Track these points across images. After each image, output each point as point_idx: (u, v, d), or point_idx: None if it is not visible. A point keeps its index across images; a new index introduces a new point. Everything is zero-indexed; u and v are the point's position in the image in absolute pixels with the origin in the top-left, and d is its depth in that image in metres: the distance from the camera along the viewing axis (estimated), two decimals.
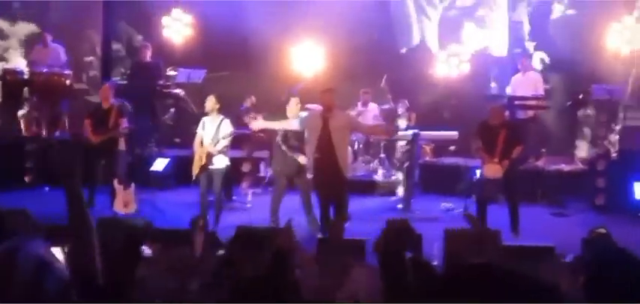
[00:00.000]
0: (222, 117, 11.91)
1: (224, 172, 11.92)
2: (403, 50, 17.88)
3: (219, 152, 11.86)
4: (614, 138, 15.19)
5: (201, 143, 11.87)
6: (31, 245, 2.35)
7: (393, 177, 14.58)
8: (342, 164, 11.01)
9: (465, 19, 17.70)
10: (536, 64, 16.83)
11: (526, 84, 15.48)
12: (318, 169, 11.07)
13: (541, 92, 15.37)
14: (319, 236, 10.44)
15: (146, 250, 7.20)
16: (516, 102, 15.21)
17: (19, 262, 2.24)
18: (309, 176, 11.25)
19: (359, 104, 15.56)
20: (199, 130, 11.97)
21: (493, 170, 11.38)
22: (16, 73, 16.22)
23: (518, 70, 15.79)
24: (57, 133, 15.81)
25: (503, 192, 11.63)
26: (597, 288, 3.51)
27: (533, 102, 15.29)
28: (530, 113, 15.38)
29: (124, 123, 12.98)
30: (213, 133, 11.78)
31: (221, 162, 11.84)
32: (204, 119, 12.03)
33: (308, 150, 11.37)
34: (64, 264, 2.33)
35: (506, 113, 12.43)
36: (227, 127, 11.86)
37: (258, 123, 11.81)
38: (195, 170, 11.86)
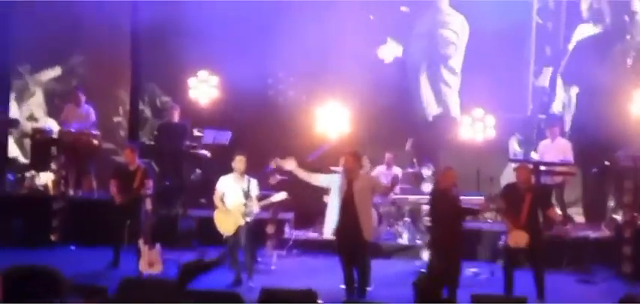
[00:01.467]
0: (247, 177, 12.11)
1: (252, 228, 12.10)
2: (430, 118, 17.88)
3: (258, 209, 12.31)
4: None
5: (222, 200, 12.10)
6: None
7: (418, 241, 14.52)
8: (365, 227, 11.04)
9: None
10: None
11: (555, 151, 15.42)
12: (341, 231, 11.11)
13: (570, 159, 15.31)
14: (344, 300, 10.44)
15: None
16: (542, 168, 15.17)
17: None
18: (326, 232, 11.36)
19: (383, 166, 15.56)
20: (223, 187, 12.20)
21: (518, 238, 11.25)
22: (44, 131, 16.42)
23: (546, 137, 15.73)
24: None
25: (529, 260, 11.48)
26: None
27: (561, 169, 15.23)
28: (558, 179, 15.32)
29: (150, 184, 13.09)
30: (243, 192, 11.93)
31: (248, 217, 12.06)
32: (228, 177, 12.25)
33: (329, 210, 11.43)
34: None
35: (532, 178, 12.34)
36: (256, 187, 12.09)
37: (289, 164, 11.89)
38: (230, 229, 12.01)
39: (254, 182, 12.24)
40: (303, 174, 11.79)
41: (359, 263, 11.14)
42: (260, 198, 12.40)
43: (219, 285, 10.67)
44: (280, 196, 12.71)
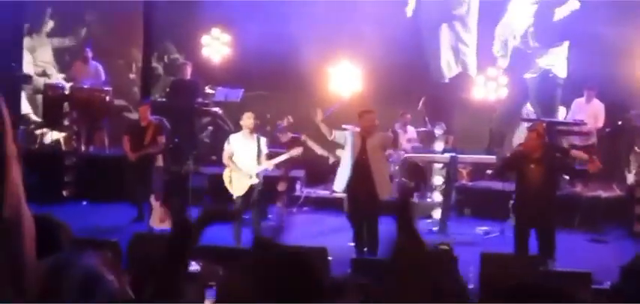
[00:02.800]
0: (257, 134, 12.01)
1: (261, 187, 12.03)
2: (446, 80, 17.77)
3: (271, 167, 12.21)
4: None
5: (232, 159, 11.91)
6: (84, 257, 2.36)
7: (429, 200, 14.52)
8: (379, 185, 11.04)
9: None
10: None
11: (589, 112, 15.31)
12: (354, 189, 11.11)
13: (600, 123, 15.22)
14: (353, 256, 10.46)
15: (193, 265, 7.25)
16: (558, 128, 15.11)
17: (71, 274, 2.26)
18: (337, 187, 11.36)
19: (397, 125, 15.52)
20: (232, 147, 12.01)
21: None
22: (57, 88, 16.44)
23: (582, 96, 15.60)
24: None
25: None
26: None
27: (575, 129, 15.13)
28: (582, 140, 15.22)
29: (162, 140, 13.13)
30: (255, 150, 11.83)
31: (259, 177, 11.93)
32: (237, 136, 12.13)
33: (342, 166, 11.41)
34: (114, 277, 2.34)
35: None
36: (265, 145, 12.01)
37: (318, 115, 11.76)
38: (242, 189, 11.87)
39: (263, 140, 12.13)
40: (325, 129, 11.73)
41: (370, 222, 11.12)
42: (271, 156, 12.28)
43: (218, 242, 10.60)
44: (296, 152, 12.48)
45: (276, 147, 13.34)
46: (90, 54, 16.45)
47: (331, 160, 13.99)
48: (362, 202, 11.15)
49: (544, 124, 12.64)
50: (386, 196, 11.15)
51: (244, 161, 11.91)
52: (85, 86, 16.07)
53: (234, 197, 12.03)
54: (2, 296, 2.33)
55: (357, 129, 11.44)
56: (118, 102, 17.01)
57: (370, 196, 11.03)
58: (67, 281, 2.24)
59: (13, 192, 2.37)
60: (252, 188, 11.90)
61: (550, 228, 11.01)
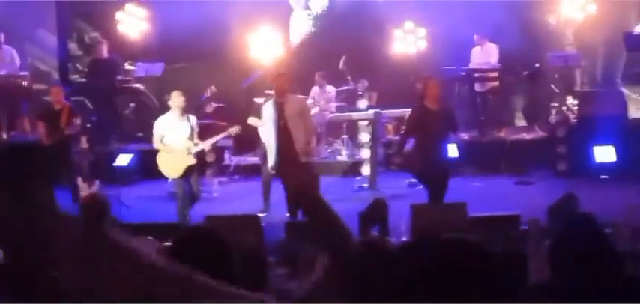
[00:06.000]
0: (188, 114, 11.66)
1: (197, 165, 11.77)
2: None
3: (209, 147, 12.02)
4: (572, 103, 15.37)
5: (162, 141, 11.53)
6: None
7: (357, 157, 14.64)
8: (300, 149, 10.99)
9: None
10: None
11: (484, 56, 15.61)
12: (280, 157, 11.06)
13: (494, 60, 15.51)
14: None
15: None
16: (476, 75, 15.38)
17: None
18: (269, 164, 11.19)
19: (316, 87, 15.56)
20: (162, 129, 11.55)
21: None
22: None
23: (475, 45, 15.89)
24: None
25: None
26: (562, 255, 3.56)
27: (492, 74, 15.44)
28: (490, 85, 15.54)
29: (77, 122, 12.89)
30: (188, 131, 11.50)
31: (195, 157, 11.66)
32: (166, 117, 11.63)
33: (264, 139, 11.30)
34: None
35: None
36: (195, 122, 11.70)
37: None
38: (178, 170, 11.56)
39: (193, 118, 11.71)
40: (254, 122, 11.55)
41: (300, 187, 11.10)
42: (202, 132, 11.95)
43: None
44: (233, 129, 12.25)
45: (201, 118, 13.23)
46: (2, 38, 16.08)
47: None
48: (288, 168, 11.11)
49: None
50: (306, 159, 11.14)
51: (177, 141, 11.48)
52: (1, 73, 15.73)
53: (171, 179, 11.81)
54: None
55: (272, 96, 11.32)
56: (37, 86, 16.66)
57: (295, 161, 11.00)
58: None
59: None
60: (189, 167, 11.59)
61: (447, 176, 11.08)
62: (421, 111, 10.95)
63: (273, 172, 11.34)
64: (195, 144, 11.53)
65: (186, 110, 11.61)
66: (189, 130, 11.47)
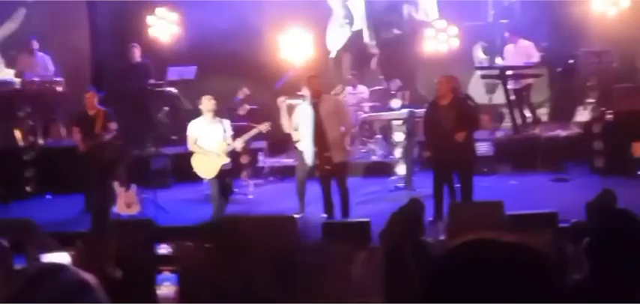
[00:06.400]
0: (219, 118, 11.90)
1: (231, 166, 12.01)
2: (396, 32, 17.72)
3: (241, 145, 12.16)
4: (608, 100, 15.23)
5: (195, 143, 11.82)
6: (71, 269, 2.29)
7: (392, 157, 14.60)
8: (337, 149, 11.03)
9: None
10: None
11: (519, 53, 15.48)
12: (317, 157, 11.09)
13: (535, 60, 15.37)
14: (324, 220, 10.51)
15: (165, 248, 7.23)
16: (509, 73, 15.28)
17: (61, 282, 2.19)
18: (308, 164, 11.25)
19: (349, 87, 15.57)
20: (195, 132, 11.86)
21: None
22: (6, 84, 16.19)
23: (508, 41, 15.76)
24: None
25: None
26: (601, 252, 3.53)
27: (527, 72, 15.32)
28: (525, 82, 15.43)
29: (112, 127, 12.96)
30: (221, 132, 11.76)
31: (228, 159, 11.89)
32: (198, 121, 11.93)
33: (302, 139, 11.36)
34: (102, 290, 2.27)
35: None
36: (229, 125, 11.94)
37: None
38: (213, 171, 11.77)
39: (227, 122, 12.02)
40: (287, 124, 11.67)
41: (339, 186, 11.14)
42: (236, 135, 12.15)
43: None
44: (263, 126, 12.38)
45: (234, 120, 13.29)
46: (36, 45, 16.22)
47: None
48: (326, 168, 11.14)
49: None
50: (341, 159, 11.17)
51: (211, 144, 11.78)
52: (36, 79, 15.87)
53: (207, 180, 12.01)
54: None
55: (307, 98, 11.38)
56: (71, 92, 16.75)
57: (331, 162, 11.03)
58: (57, 290, 2.18)
59: None
60: (223, 168, 11.82)
61: (467, 171, 11.15)
62: (430, 107, 11.35)
63: (310, 172, 11.39)
64: (228, 145, 11.75)
65: (218, 113, 11.83)
66: (221, 132, 11.68)
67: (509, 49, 15.71)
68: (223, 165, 11.78)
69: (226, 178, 11.90)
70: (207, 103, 11.82)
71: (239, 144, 12.13)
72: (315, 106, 11.08)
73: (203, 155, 11.82)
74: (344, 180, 11.16)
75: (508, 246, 1.77)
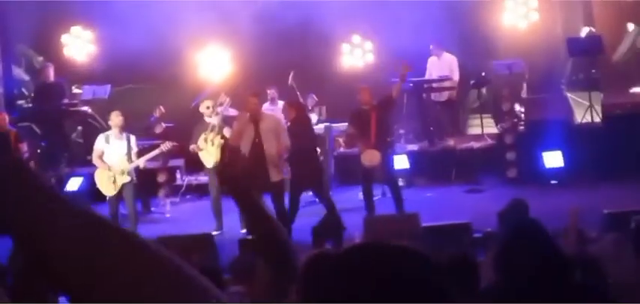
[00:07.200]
0: (126, 132, 11.90)
1: (134, 184, 11.92)
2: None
3: (143, 164, 12.17)
4: (519, 110, 15.57)
5: (101, 158, 11.90)
6: None
7: None
8: (273, 167, 11.12)
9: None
10: None
11: (442, 66, 15.66)
12: (251, 175, 11.11)
13: (456, 76, 15.57)
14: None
15: None
16: (426, 86, 15.47)
17: None
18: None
19: (267, 103, 15.56)
20: (102, 146, 11.95)
21: (370, 156, 11.57)
22: None
23: (432, 53, 15.91)
24: None
25: (383, 175, 11.85)
26: (509, 260, 3.59)
27: (446, 84, 15.50)
28: (444, 96, 15.61)
29: (24, 147, 12.76)
30: (125, 149, 11.75)
31: (131, 175, 11.82)
32: (106, 135, 12.04)
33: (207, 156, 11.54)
34: None
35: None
36: (135, 142, 11.93)
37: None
38: (113, 188, 11.76)
39: (133, 138, 12.07)
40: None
41: (275, 204, 11.17)
42: (141, 152, 12.22)
43: None
44: (166, 146, 12.53)
45: (151, 139, 13.21)
46: None
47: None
48: (263, 187, 11.16)
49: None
50: (277, 178, 11.27)
51: (115, 160, 11.87)
52: None
53: (108, 197, 11.95)
54: None
55: (246, 115, 11.52)
56: None
57: (265, 179, 11.09)
58: None
59: None
60: (124, 186, 11.83)
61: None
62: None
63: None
64: (130, 162, 11.82)
65: (127, 129, 12.05)
66: (126, 149, 11.62)
67: (432, 61, 15.85)
68: (124, 184, 11.73)
69: (127, 197, 11.91)
70: (114, 119, 11.95)
71: (141, 163, 12.11)
72: (256, 125, 11.15)
73: (105, 170, 11.87)
74: (281, 198, 11.25)
75: (394, 250, 1.80)
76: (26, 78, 17.61)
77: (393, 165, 12.29)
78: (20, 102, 16.93)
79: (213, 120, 12.14)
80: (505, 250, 3.60)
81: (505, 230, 4.48)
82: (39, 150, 14.54)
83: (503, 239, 3.76)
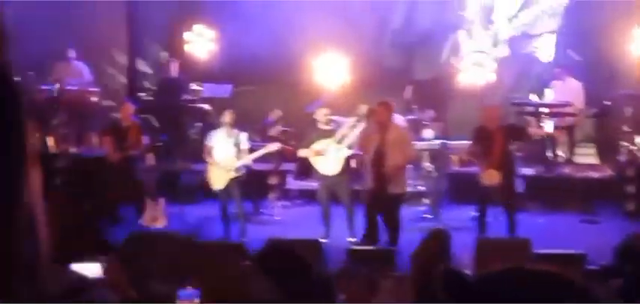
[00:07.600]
0: (237, 130, 12.09)
1: (241, 181, 12.19)
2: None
3: (250, 162, 12.45)
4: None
5: (210, 154, 12.24)
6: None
7: (420, 187, 14.50)
8: (398, 180, 11.12)
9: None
10: None
11: (566, 91, 15.32)
12: (372, 184, 11.14)
13: (580, 103, 15.20)
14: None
15: None
16: (542, 110, 15.14)
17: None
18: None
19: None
20: (212, 142, 12.32)
21: (490, 176, 11.38)
22: (42, 91, 16.30)
23: (556, 77, 15.59)
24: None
25: (501, 197, 11.59)
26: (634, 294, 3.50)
27: (567, 110, 15.11)
28: (565, 122, 15.21)
29: (145, 140, 13.05)
30: (234, 146, 12.00)
31: (238, 172, 12.12)
32: (217, 132, 12.36)
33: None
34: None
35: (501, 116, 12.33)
36: (245, 140, 12.11)
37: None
38: (220, 183, 12.05)
39: (243, 135, 12.30)
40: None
41: (389, 216, 11.15)
42: (250, 151, 12.41)
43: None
44: (272, 147, 12.74)
45: (266, 141, 13.35)
46: (73, 54, 16.35)
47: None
48: (382, 196, 11.16)
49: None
50: (396, 191, 11.25)
51: (223, 156, 12.14)
52: (73, 87, 15.98)
53: (218, 192, 12.29)
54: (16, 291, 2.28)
55: (371, 123, 11.53)
56: (106, 102, 16.90)
57: (390, 190, 11.09)
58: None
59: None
60: (230, 181, 12.07)
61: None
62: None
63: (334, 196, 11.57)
64: (238, 159, 12.12)
65: (240, 128, 12.34)
66: (234, 146, 11.96)
67: (556, 85, 15.54)
68: (232, 179, 11.91)
69: (234, 193, 12.16)
70: (226, 116, 12.29)
71: (248, 161, 12.34)
72: (383, 134, 11.13)
73: (214, 166, 12.19)
74: (396, 211, 11.20)
75: (546, 274, 1.77)
76: (150, 71, 18.03)
77: (515, 189, 12.05)
78: (141, 94, 17.33)
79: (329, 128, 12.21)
80: (632, 284, 3.50)
81: (625, 264, 4.33)
82: (157, 144, 14.80)
83: (631, 273, 3.65)
